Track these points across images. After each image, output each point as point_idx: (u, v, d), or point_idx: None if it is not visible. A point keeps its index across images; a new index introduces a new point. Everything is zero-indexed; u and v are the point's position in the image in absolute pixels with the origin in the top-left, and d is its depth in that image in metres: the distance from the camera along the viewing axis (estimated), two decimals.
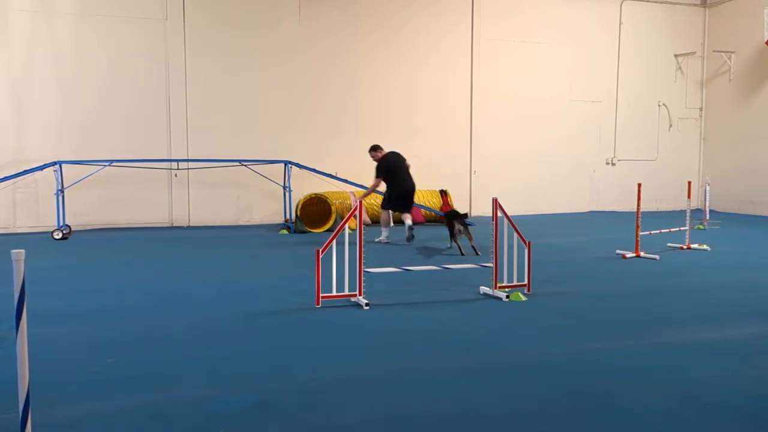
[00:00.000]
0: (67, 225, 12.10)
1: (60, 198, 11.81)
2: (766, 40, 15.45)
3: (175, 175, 13.47)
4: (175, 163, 13.37)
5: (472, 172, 15.56)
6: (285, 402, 3.90)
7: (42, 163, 11.98)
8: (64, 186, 12.04)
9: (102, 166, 12.37)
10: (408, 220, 11.11)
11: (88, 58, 12.92)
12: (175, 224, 13.60)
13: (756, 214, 15.83)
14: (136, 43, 13.17)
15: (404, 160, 11.21)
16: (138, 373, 4.39)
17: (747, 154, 16.40)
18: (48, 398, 3.89)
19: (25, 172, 11.95)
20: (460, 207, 15.13)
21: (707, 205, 12.87)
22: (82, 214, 12.89)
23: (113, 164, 12.46)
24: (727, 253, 9.93)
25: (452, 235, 9.94)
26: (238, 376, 4.36)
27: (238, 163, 13.26)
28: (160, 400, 3.91)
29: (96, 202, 13.00)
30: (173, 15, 13.32)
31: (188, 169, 13.46)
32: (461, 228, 9.79)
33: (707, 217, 12.88)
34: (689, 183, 10.33)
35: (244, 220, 14.05)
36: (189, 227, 13.53)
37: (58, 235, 11.30)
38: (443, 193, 14.41)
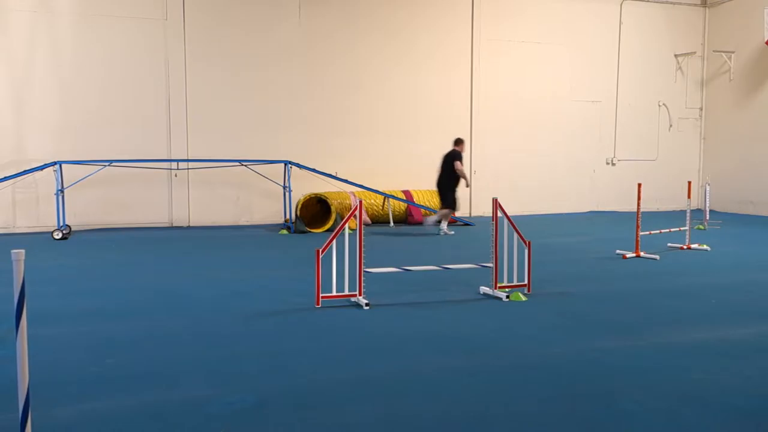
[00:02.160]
0: (67, 225, 12.10)
1: (60, 198, 11.81)
2: (766, 40, 15.46)
3: (175, 176, 13.48)
4: (175, 163, 13.36)
5: (472, 172, 15.55)
6: (285, 402, 3.90)
7: (42, 163, 11.98)
8: (64, 186, 12.04)
9: (102, 166, 12.36)
10: (435, 216, 12.54)
11: (88, 58, 12.92)
12: (175, 224, 13.60)
13: (756, 214, 15.83)
14: (136, 43, 13.17)
15: (449, 156, 12.07)
16: (138, 373, 4.39)
17: (747, 154, 16.40)
18: (48, 398, 3.89)
19: (25, 172, 11.96)
20: (461, 207, 15.14)
21: (707, 205, 12.87)
22: (82, 214, 12.90)
23: (113, 164, 12.46)
24: (727, 253, 9.93)
25: None
26: (237, 376, 4.36)
27: (238, 163, 13.26)
28: (160, 400, 3.91)
29: (96, 202, 13.00)
30: (173, 15, 13.32)
31: (188, 169, 13.46)
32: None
33: (707, 217, 12.88)
34: (689, 183, 10.33)
35: (244, 220, 14.05)
36: (189, 227, 13.53)
37: (58, 235, 11.30)
38: None
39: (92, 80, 12.97)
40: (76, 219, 12.75)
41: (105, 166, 12.37)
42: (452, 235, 12.15)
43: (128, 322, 5.78)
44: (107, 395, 4.00)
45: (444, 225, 12.26)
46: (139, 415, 3.69)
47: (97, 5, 12.89)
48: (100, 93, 13.02)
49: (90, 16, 12.87)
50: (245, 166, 13.30)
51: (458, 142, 12.25)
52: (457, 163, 11.89)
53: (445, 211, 12.22)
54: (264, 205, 14.01)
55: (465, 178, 12.02)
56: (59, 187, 11.81)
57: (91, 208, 12.99)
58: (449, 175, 11.99)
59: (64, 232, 11.50)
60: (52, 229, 11.70)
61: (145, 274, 8.23)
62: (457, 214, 14.61)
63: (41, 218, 12.64)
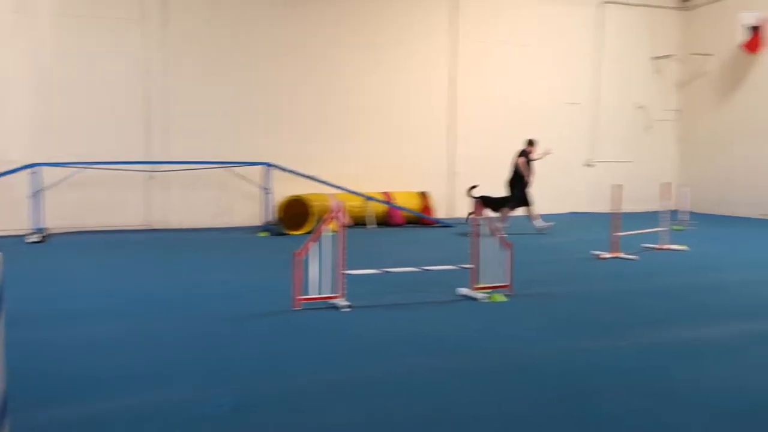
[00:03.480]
0: (43, 228, 11.91)
1: (36, 201, 11.62)
2: (741, 44, 15.66)
3: (152, 178, 13.29)
4: (154, 166, 13.20)
5: (454, 173, 15.58)
6: (268, 405, 3.86)
7: (18, 166, 11.78)
8: (41, 188, 11.85)
9: (79, 169, 12.19)
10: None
11: (66, 59, 12.70)
12: (153, 227, 13.44)
13: (732, 215, 16.02)
14: (116, 43, 13.00)
15: (517, 154, 12.35)
16: (117, 375, 4.31)
17: (723, 156, 16.61)
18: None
19: (1, 174, 11.73)
20: (441, 209, 15.17)
21: (686, 206, 12.99)
22: (59, 217, 12.67)
23: (91, 166, 12.29)
24: (705, 253, 10.04)
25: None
26: (220, 379, 4.31)
27: (217, 166, 13.14)
28: (144, 403, 3.84)
29: (73, 205, 12.78)
30: (153, 16, 13.17)
31: (167, 171, 13.31)
32: None
33: (685, 218, 13.01)
34: (668, 184, 10.42)
35: (223, 222, 13.92)
36: (168, 230, 13.38)
37: (34, 239, 11.12)
38: (423, 195, 14.42)
39: (70, 82, 12.76)
40: (53, 222, 12.53)
41: (83, 168, 12.20)
42: (547, 231, 12.37)
43: (106, 325, 5.68)
44: (95, 397, 3.92)
45: (538, 222, 12.41)
46: (122, 417, 3.63)
47: (76, 6, 12.69)
48: (78, 95, 12.80)
49: (68, 17, 12.65)
50: (225, 167, 13.19)
51: (529, 143, 12.51)
52: (521, 159, 12.11)
53: (507, 210, 12.46)
54: (244, 207, 13.89)
55: (524, 174, 12.07)
56: (35, 190, 11.62)
57: (69, 210, 12.76)
58: (517, 174, 12.22)
59: (40, 235, 11.31)
60: (28, 233, 11.50)
61: (123, 277, 8.11)
62: (438, 215, 14.66)
63: (16, 221, 12.39)
